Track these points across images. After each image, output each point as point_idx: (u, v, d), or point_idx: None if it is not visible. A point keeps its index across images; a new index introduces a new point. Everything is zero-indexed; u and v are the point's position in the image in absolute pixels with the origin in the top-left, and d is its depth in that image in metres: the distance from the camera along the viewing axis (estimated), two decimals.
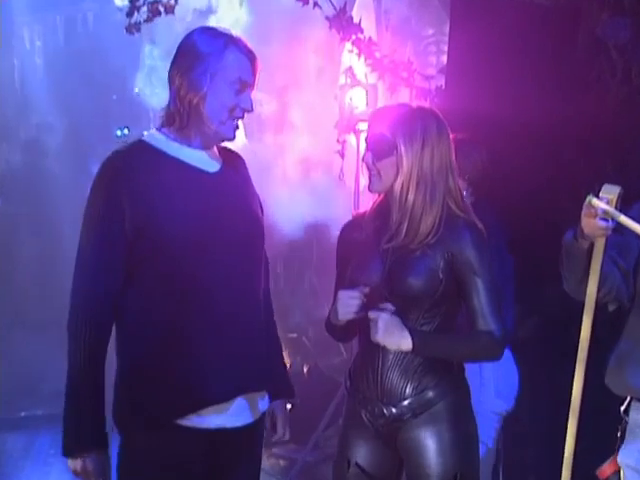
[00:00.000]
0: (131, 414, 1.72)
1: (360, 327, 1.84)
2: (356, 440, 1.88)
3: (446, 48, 3.51)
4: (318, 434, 3.95)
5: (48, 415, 4.28)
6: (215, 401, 1.71)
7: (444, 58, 3.66)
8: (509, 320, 2.43)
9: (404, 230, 1.80)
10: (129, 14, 3.56)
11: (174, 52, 1.77)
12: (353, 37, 3.38)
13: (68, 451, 1.69)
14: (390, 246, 1.82)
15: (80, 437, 1.69)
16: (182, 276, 1.69)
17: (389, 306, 1.77)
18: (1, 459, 4.08)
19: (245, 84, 1.75)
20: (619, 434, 1.80)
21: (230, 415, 1.73)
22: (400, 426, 1.82)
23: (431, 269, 1.78)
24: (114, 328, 1.75)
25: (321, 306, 4.43)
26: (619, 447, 1.80)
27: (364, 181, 2.04)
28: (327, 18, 3.37)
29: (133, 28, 3.57)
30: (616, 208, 1.59)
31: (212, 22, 4.84)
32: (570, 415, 1.70)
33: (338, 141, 4.04)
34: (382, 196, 1.88)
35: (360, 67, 3.85)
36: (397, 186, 1.81)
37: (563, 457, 1.74)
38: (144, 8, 3.51)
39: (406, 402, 1.80)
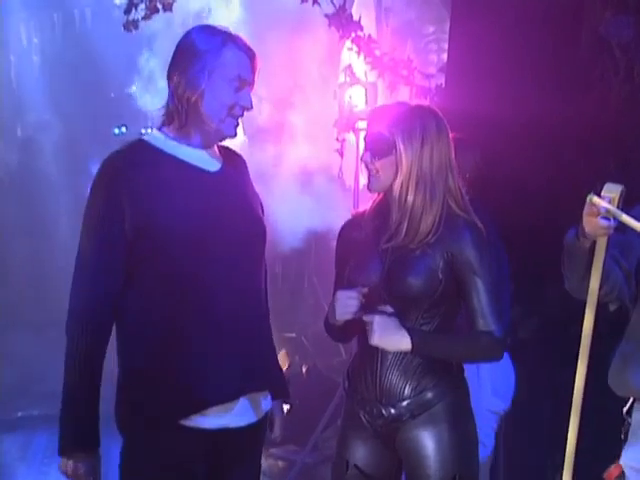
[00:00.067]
0: (132, 414, 1.72)
1: (359, 327, 1.82)
2: (355, 441, 1.86)
3: (447, 46, 3.50)
4: (317, 435, 3.95)
5: (44, 415, 4.29)
6: (217, 401, 1.70)
7: (445, 56, 3.65)
8: (506, 320, 2.43)
9: (404, 230, 1.79)
10: (127, 11, 3.56)
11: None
12: (352, 35, 3.37)
13: (61, 451, 1.70)
14: (389, 246, 1.81)
15: (72, 439, 1.69)
16: (182, 276, 1.68)
17: (387, 308, 1.77)
18: None
19: (244, 82, 1.74)
20: (622, 436, 1.78)
21: (234, 415, 1.73)
22: (399, 427, 1.81)
23: (430, 269, 1.77)
24: (114, 329, 1.75)
25: (320, 306, 4.42)
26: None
27: (364, 180, 2.02)
28: (326, 16, 3.36)
29: (131, 25, 3.56)
30: (618, 207, 1.58)
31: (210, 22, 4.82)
32: (572, 411, 1.68)
33: (337, 140, 4.03)
34: (381, 195, 1.86)
35: (360, 65, 3.84)
36: (396, 185, 1.80)
37: (564, 457, 1.72)
38: (142, 5, 3.50)
39: (405, 403, 1.79)
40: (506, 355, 2.57)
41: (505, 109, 2.96)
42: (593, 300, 1.66)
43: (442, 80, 3.49)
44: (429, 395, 1.79)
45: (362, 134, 3.60)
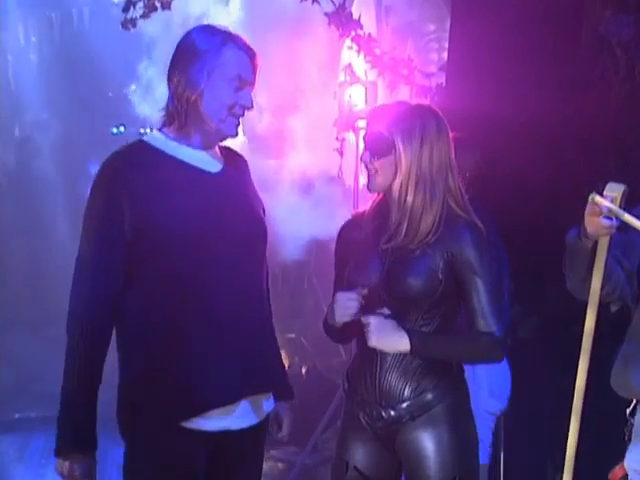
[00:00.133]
0: (133, 415, 1.72)
1: (358, 329, 1.81)
2: (354, 442, 1.86)
3: (447, 45, 3.49)
4: (317, 436, 3.94)
5: (42, 417, 4.29)
6: (218, 404, 1.70)
7: (445, 55, 3.65)
8: (506, 320, 2.42)
9: (404, 230, 1.78)
10: (125, 9, 3.54)
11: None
12: (352, 33, 3.36)
13: (58, 452, 1.70)
14: (389, 246, 1.80)
15: (70, 440, 1.69)
16: (182, 276, 1.68)
17: (384, 311, 1.76)
18: None
19: (244, 81, 1.73)
20: (626, 437, 1.78)
21: (235, 417, 1.73)
22: (399, 428, 1.80)
23: (430, 269, 1.76)
24: (114, 330, 1.74)
25: (320, 306, 4.41)
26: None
27: (363, 180, 2.02)
28: (326, 14, 3.35)
29: (129, 24, 3.55)
30: (620, 206, 1.57)
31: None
32: (573, 412, 1.67)
33: (337, 139, 4.03)
34: (381, 195, 1.86)
35: (360, 64, 3.83)
36: (396, 185, 1.79)
37: (564, 458, 1.72)
38: (140, 4, 3.49)
39: (404, 404, 1.78)
40: None
41: (505, 108, 2.95)
42: (595, 300, 1.66)
43: (442, 79, 3.49)
44: (429, 396, 1.78)
45: (362, 133, 3.59)
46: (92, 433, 1.69)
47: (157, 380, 1.69)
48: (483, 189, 2.57)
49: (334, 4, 3.38)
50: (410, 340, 1.73)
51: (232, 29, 1.79)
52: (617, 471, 1.77)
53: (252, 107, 1.76)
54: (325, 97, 4.35)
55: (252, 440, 1.80)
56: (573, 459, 1.69)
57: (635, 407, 1.79)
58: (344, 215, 2.00)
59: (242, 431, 1.75)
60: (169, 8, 3.57)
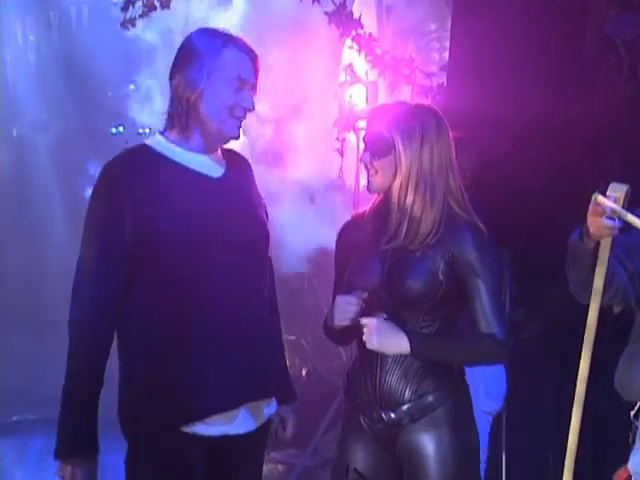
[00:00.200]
0: (134, 418, 1.72)
1: (358, 330, 1.80)
2: (354, 445, 1.85)
3: (448, 45, 3.49)
4: (317, 439, 3.93)
5: (41, 419, 4.29)
6: (218, 410, 1.70)
7: (446, 55, 3.64)
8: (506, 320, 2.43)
9: (404, 231, 1.77)
10: (124, 9, 3.54)
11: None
12: (353, 33, 3.35)
13: (58, 455, 1.70)
14: (389, 247, 1.79)
15: (71, 444, 1.69)
16: (183, 280, 1.68)
17: (382, 315, 1.75)
18: None
19: (245, 82, 1.73)
20: (630, 440, 1.76)
21: (236, 424, 1.73)
22: (399, 431, 1.79)
23: (431, 271, 1.75)
24: (116, 333, 1.75)
25: (320, 308, 4.39)
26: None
27: (364, 180, 2.00)
28: (326, 13, 3.34)
29: (128, 23, 3.54)
30: (623, 207, 1.56)
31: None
32: (573, 413, 1.66)
33: (337, 139, 4.01)
34: (381, 196, 1.85)
35: (360, 64, 3.82)
36: (396, 186, 1.78)
37: (564, 459, 1.70)
38: (139, 3, 3.48)
39: (405, 407, 1.77)
40: None
41: (507, 108, 2.95)
42: (597, 299, 1.64)
43: (444, 79, 3.48)
44: (430, 399, 1.77)
45: (362, 133, 3.58)
46: (94, 436, 1.69)
47: (158, 383, 1.69)
48: (479, 189, 2.56)
49: (334, 3, 3.37)
50: (410, 341, 1.72)
51: (232, 29, 1.79)
52: (621, 473, 1.76)
53: (253, 109, 1.75)
54: (326, 98, 4.33)
55: (252, 444, 1.80)
56: (573, 459, 1.68)
57: (639, 409, 1.78)
58: (345, 217, 1.99)
59: (242, 436, 1.75)
60: (168, 7, 3.56)
